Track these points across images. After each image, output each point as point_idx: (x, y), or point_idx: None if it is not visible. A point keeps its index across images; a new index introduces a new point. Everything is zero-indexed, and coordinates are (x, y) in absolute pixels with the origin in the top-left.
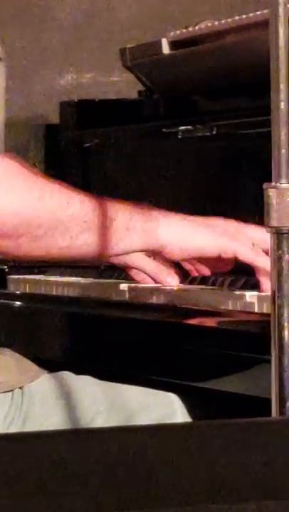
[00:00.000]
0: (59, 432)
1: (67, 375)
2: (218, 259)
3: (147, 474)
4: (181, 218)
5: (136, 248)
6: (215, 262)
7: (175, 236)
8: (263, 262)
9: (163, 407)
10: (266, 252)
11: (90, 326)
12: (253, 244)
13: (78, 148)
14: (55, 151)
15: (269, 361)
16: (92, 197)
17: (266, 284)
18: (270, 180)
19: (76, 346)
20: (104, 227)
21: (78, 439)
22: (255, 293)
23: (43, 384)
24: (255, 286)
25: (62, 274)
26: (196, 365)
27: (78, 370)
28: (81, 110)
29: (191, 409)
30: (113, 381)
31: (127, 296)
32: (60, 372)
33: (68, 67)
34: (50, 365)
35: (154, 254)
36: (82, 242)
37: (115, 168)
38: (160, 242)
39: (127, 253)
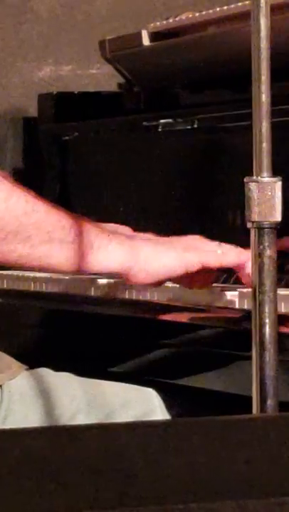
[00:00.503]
0: (36, 429)
1: (47, 372)
2: (194, 273)
3: (126, 472)
4: (143, 240)
5: (98, 269)
6: (193, 276)
7: (139, 259)
8: (230, 259)
9: (143, 404)
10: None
11: (68, 322)
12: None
13: (57, 142)
14: (34, 144)
15: (250, 358)
16: (60, 210)
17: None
18: (251, 174)
19: (55, 342)
20: (67, 243)
21: (56, 436)
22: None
23: (22, 381)
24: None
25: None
26: (176, 361)
27: (58, 367)
28: (60, 103)
29: (171, 406)
30: (93, 377)
31: (105, 291)
32: (39, 369)
33: (47, 59)
34: (29, 361)
35: (118, 277)
36: (42, 253)
37: (94, 161)
38: (125, 265)
39: (89, 273)
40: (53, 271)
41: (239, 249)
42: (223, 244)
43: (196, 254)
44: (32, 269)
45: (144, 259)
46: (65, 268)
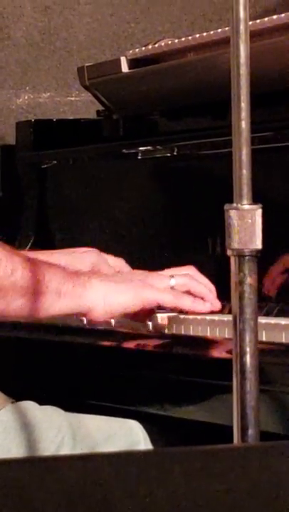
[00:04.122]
0: (16, 459)
1: (32, 405)
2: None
3: (105, 503)
4: (101, 279)
5: (65, 311)
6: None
7: (99, 298)
8: (184, 302)
9: (127, 436)
10: (187, 292)
11: (50, 353)
12: (173, 276)
13: (35, 170)
14: (12, 172)
15: (230, 387)
16: (28, 260)
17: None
18: (231, 202)
19: (37, 374)
20: (37, 293)
21: (35, 467)
22: (165, 314)
23: (7, 414)
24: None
25: None
26: (157, 392)
27: (42, 400)
28: (38, 130)
29: (154, 438)
30: (75, 409)
31: (85, 321)
32: (24, 402)
33: (25, 86)
34: (14, 394)
35: (80, 316)
36: (16, 306)
37: (73, 189)
38: (87, 306)
39: (56, 316)
40: (25, 319)
41: (194, 295)
42: (175, 273)
43: (153, 292)
44: (5, 319)
45: (105, 299)
46: (36, 316)
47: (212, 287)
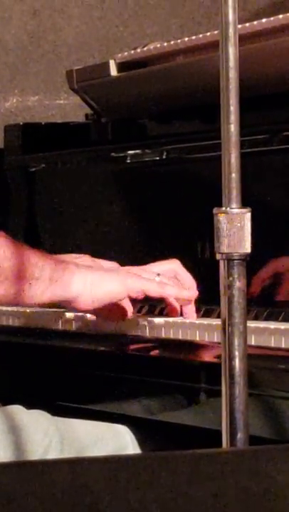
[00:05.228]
0: (3, 463)
1: (19, 409)
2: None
3: (93, 507)
4: (86, 267)
5: (45, 299)
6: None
7: (85, 286)
8: (169, 291)
9: (115, 440)
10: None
11: (37, 357)
12: (159, 275)
13: (24, 173)
14: (0, 175)
15: (219, 392)
16: (7, 242)
17: (187, 309)
18: (220, 205)
19: (24, 378)
20: (15, 276)
21: (23, 471)
22: (162, 319)
23: None
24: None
25: None
26: (145, 396)
27: (29, 404)
28: (26, 134)
29: (142, 442)
30: (63, 413)
31: (73, 325)
32: (12, 406)
33: (13, 89)
34: (1, 398)
35: (65, 304)
36: (10, 290)
37: (62, 193)
38: (72, 294)
39: (37, 303)
40: (19, 305)
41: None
42: (161, 267)
43: (138, 280)
44: None
45: (91, 287)
46: (31, 302)
47: (194, 283)
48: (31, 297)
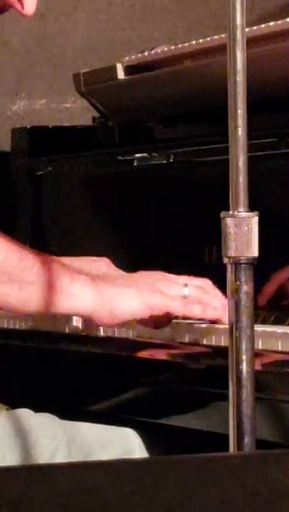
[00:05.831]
0: (10, 467)
1: (27, 413)
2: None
3: (101, 511)
4: (106, 280)
5: (61, 310)
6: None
7: (103, 301)
8: (194, 311)
9: (122, 444)
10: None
11: (45, 361)
12: (186, 285)
13: (31, 177)
14: (7, 179)
15: (227, 396)
16: (24, 250)
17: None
18: (227, 209)
19: (33, 382)
20: (27, 283)
21: (29, 475)
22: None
23: (1, 421)
24: None
25: None
26: (154, 400)
27: (37, 407)
28: (33, 137)
29: (150, 446)
30: (71, 417)
31: (80, 326)
32: (19, 410)
33: (20, 93)
34: (9, 401)
35: (84, 318)
36: (1, 293)
37: (69, 196)
38: (84, 308)
39: (52, 314)
40: (14, 311)
41: (205, 303)
42: (189, 282)
43: (161, 299)
44: None
45: (109, 303)
46: (25, 309)
47: (225, 303)
48: (23, 303)
